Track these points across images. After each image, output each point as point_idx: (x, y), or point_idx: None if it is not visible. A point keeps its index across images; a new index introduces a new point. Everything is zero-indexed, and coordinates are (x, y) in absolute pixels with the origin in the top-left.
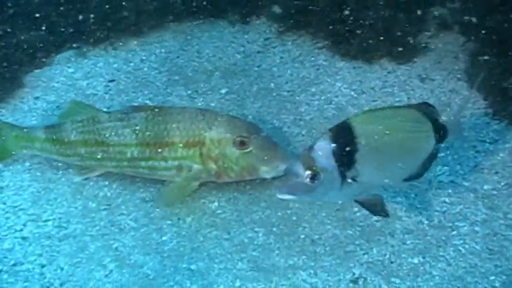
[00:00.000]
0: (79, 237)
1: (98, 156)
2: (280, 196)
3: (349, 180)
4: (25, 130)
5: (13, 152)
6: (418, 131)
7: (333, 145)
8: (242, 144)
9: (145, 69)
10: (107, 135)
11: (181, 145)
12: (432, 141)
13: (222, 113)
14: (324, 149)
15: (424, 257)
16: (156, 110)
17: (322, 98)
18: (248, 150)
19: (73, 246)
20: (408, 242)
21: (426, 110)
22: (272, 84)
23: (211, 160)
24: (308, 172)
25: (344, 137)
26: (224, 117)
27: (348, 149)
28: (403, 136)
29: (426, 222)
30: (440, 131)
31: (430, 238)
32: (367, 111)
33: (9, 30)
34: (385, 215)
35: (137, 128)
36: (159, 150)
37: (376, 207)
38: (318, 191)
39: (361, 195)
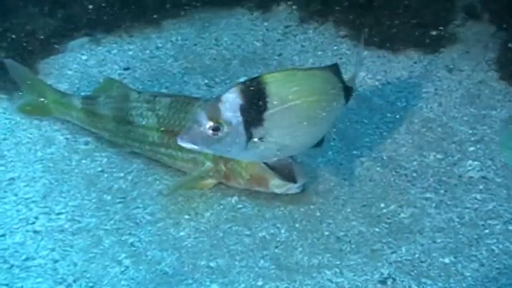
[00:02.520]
0: (93, 231)
1: (123, 135)
2: (181, 144)
3: (256, 139)
4: (65, 97)
5: (53, 114)
6: (331, 93)
7: (241, 99)
8: None
9: (162, 57)
10: (132, 115)
11: None
12: (342, 102)
13: None
14: (231, 102)
15: (455, 257)
16: (181, 98)
17: None
18: None
19: (87, 241)
20: (438, 241)
21: (337, 71)
22: None
23: (222, 160)
24: (210, 123)
25: (254, 93)
26: None
27: (257, 106)
28: (317, 98)
29: (457, 219)
30: (348, 94)
31: (461, 237)
32: (282, 70)
33: (22, 16)
34: (294, 181)
35: (160, 113)
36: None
37: (285, 173)
38: (220, 144)
39: (271, 157)
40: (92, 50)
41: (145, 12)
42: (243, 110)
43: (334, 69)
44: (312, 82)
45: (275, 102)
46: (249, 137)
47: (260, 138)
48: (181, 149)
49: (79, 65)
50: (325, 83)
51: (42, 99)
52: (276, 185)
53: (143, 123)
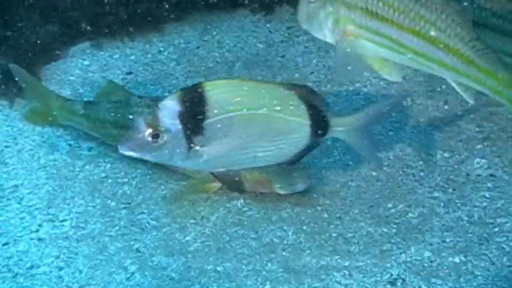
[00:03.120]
0: (98, 237)
1: None
2: (121, 151)
3: (197, 148)
4: (67, 102)
5: (57, 121)
6: (287, 112)
7: (180, 106)
8: None
9: (164, 60)
10: (133, 120)
11: None
12: (305, 131)
13: None
14: (169, 109)
15: (465, 256)
16: None
17: (351, 88)
18: None
19: (92, 248)
20: (448, 240)
21: (305, 94)
22: (297, 75)
23: None
24: (149, 130)
25: (194, 100)
26: None
27: (196, 114)
28: (265, 113)
29: (466, 218)
30: (320, 124)
31: (471, 235)
32: (226, 79)
33: (23, 22)
34: (240, 191)
35: None
36: None
37: (231, 183)
38: (161, 151)
39: (216, 168)
40: (94, 55)
41: (147, 16)
42: (182, 117)
43: (303, 90)
44: (261, 95)
45: (215, 111)
46: (190, 145)
47: (202, 147)
48: None
49: (81, 70)
50: (279, 99)
51: (46, 105)
52: (281, 187)
53: None
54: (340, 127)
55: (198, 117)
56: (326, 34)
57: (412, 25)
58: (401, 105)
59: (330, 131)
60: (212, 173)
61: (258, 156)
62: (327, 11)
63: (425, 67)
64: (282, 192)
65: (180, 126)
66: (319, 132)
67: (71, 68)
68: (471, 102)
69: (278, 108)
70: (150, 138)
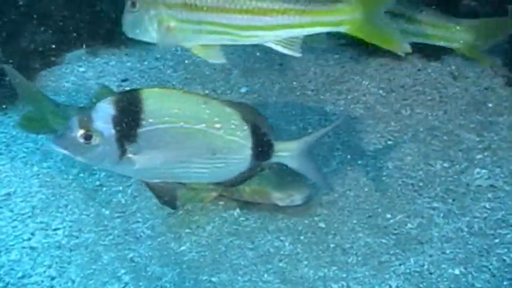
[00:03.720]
0: (91, 246)
1: None
2: (54, 147)
3: (130, 156)
4: (61, 108)
5: (52, 126)
6: (226, 133)
7: (115, 111)
8: None
9: (161, 67)
10: None
11: None
12: (246, 153)
13: None
14: (103, 112)
15: (465, 268)
16: None
17: (349, 97)
18: (261, 172)
19: (85, 257)
20: (448, 251)
21: (249, 115)
22: (295, 83)
23: None
24: (81, 131)
25: (130, 106)
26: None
27: (130, 120)
28: (203, 128)
29: (466, 229)
30: (263, 148)
31: (471, 247)
32: (168, 89)
33: (20, 28)
34: (172, 207)
35: None
36: None
37: (164, 196)
38: (93, 154)
39: (150, 178)
40: (90, 61)
41: None
42: (116, 122)
43: (244, 109)
44: (201, 111)
45: (150, 120)
46: (122, 151)
47: (135, 155)
48: None
49: (76, 77)
50: (220, 117)
51: (39, 109)
52: (279, 197)
53: None
54: (285, 152)
55: (132, 124)
56: (153, 36)
57: (234, 4)
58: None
59: (273, 156)
60: (146, 184)
61: (194, 172)
62: (150, 15)
63: (252, 39)
64: (281, 203)
65: (112, 131)
66: (262, 156)
67: (66, 74)
68: (298, 55)
69: (218, 126)
70: (82, 139)
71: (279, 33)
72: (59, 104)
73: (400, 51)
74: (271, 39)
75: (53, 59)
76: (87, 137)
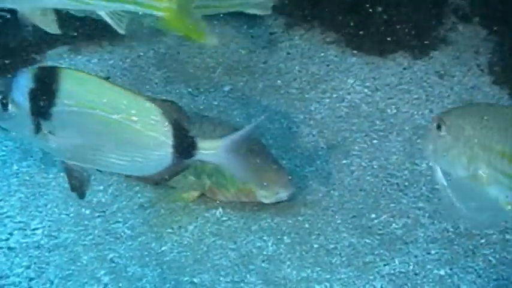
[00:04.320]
0: (71, 247)
1: None
2: None
3: (46, 132)
4: None
5: None
6: (144, 127)
7: (33, 84)
8: None
9: (143, 65)
10: None
11: None
12: (167, 150)
13: (224, 122)
14: (22, 83)
15: (451, 268)
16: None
17: (334, 95)
18: None
19: (64, 257)
20: (433, 252)
21: (171, 111)
22: (279, 81)
23: (205, 174)
24: None
25: (48, 83)
26: (224, 128)
27: (46, 97)
28: (118, 119)
29: (452, 229)
30: (186, 146)
31: (456, 247)
32: (90, 74)
33: None
34: (80, 195)
35: None
36: None
37: (76, 182)
38: (11, 123)
39: (66, 158)
40: (72, 59)
41: None
42: (32, 96)
43: (167, 106)
44: (119, 101)
45: (65, 101)
46: (38, 127)
47: (50, 133)
48: None
49: None
50: (138, 111)
51: None
52: (264, 195)
53: None
54: (209, 150)
55: (47, 101)
56: None
57: None
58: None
59: (197, 154)
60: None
61: (112, 162)
62: None
63: (83, 5)
64: (266, 201)
65: (28, 104)
66: (185, 153)
67: None
68: (121, 32)
69: (135, 119)
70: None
71: (110, 5)
72: None
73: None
74: (102, 9)
75: (33, 56)
76: (4, 105)
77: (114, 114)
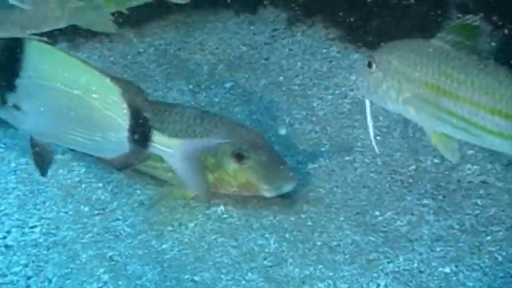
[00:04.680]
0: (69, 245)
1: None
2: None
3: (10, 105)
4: None
5: None
6: (103, 107)
7: None
8: (241, 158)
9: (144, 62)
10: None
11: None
12: (123, 133)
13: (225, 118)
14: None
15: (456, 266)
16: (156, 105)
17: (337, 92)
18: (247, 165)
19: (62, 255)
20: (438, 249)
21: (131, 94)
22: (281, 78)
23: (207, 170)
24: None
25: (13, 55)
26: (226, 124)
27: (10, 68)
28: (80, 97)
29: (457, 227)
30: (141, 134)
31: (462, 244)
32: (53, 47)
33: None
34: (42, 172)
35: None
36: None
37: (39, 158)
38: None
39: (32, 133)
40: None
41: (127, 16)
42: None
43: (130, 90)
44: (81, 77)
45: (30, 73)
46: (3, 99)
47: (15, 106)
48: (161, 160)
49: None
50: (99, 88)
51: None
52: (268, 189)
53: None
54: (164, 146)
55: (11, 73)
56: None
57: None
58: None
59: (151, 146)
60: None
61: (74, 138)
62: None
63: None
64: (268, 194)
65: None
66: (140, 141)
67: None
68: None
69: (95, 96)
70: None
71: None
72: None
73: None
74: None
75: None
76: None
77: (75, 89)
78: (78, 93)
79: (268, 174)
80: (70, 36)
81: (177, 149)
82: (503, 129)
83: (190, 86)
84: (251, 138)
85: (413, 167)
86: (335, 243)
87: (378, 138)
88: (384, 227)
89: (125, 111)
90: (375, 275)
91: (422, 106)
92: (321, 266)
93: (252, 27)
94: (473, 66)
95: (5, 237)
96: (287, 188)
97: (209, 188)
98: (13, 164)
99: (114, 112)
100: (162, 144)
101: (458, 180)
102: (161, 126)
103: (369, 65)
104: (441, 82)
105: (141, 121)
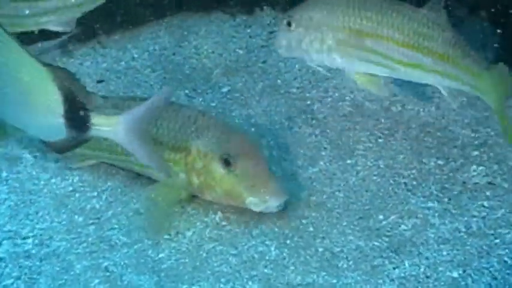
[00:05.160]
0: (63, 255)
1: (91, 145)
2: None
3: None
4: None
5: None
6: (35, 90)
7: None
8: (227, 163)
9: (138, 67)
10: None
11: (168, 147)
12: (58, 118)
13: (219, 121)
14: None
15: (464, 270)
16: None
17: (336, 94)
18: (233, 172)
19: (56, 267)
20: (445, 253)
21: (64, 80)
22: (279, 81)
23: (195, 172)
24: None
25: None
26: (219, 127)
27: None
28: (13, 77)
29: (464, 229)
30: (78, 119)
31: (469, 248)
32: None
33: None
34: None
35: None
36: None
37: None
38: None
39: None
40: (64, 62)
41: (120, 21)
42: None
43: (63, 75)
44: (13, 58)
45: None
46: None
47: None
48: None
49: None
50: (30, 72)
51: None
52: (253, 202)
53: None
54: (105, 126)
55: None
56: None
57: None
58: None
59: (92, 129)
60: None
61: (10, 115)
62: None
63: None
64: (254, 208)
65: None
66: (78, 126)
67: None
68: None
69: (26, 79)
70: None
71: None
72: None
73: None
74: None
75: None
76: None
77: (9, 71)
78: (11, 74)
79: (254, 186)
80: (61, 42)
81: (117, 125)
82: (413, 60)
83: (186, 91)
84: (244, 145)
85: (417, 169)
86: (338, 249)
87: (379, 140)
88: (388, 231)
89: (56, 96)
90: (380, 281)
91: (346, 50)
92: (324, 273)
93: (248, 30)
94: (387, 7)
95: None
96: (273, 203)
97: (194, 190)
98: (4, 174)
99: (46, 97)
100: (102, 124)
101: (464, 182)
102: (156, 124)
103: (289, 24)
104: (362, 26)
105: (76, 105)
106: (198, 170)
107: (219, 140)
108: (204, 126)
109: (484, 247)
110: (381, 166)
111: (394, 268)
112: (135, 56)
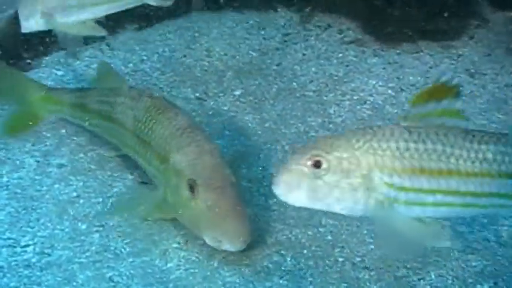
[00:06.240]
0: (65, 265)
1: (108, 132)
2: None
3: None
4: (54, 91)
5: (40, 118)
6: None
7: None
8: (191, 189)
9: (147, 70)
10: (115, 112)
11: (155, 153)
12: None
13: (207, 138)
14: None
15: (495, 282)
16: (158, 105)
17: (355, 97)
18: (195, 200)
19: (57, 277)
20: (474, 264)
21: None
22: (295, 84)
23: (169, 188)
24: None
25: None
26: (201, 146)
27: None
28: None
29: (493, 238)
30: None
31: (500, 258)
32: None
33: None
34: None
35: (137, 114)
36: (146, 149)
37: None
38: None
39: None
40: (69, 65)
41: (129, 22)
42: None
43: None
44: None
45: None
46: None
47: None
48: (149, 160)
49: (54, 81)
50: None
51: (26, 99)
52: (209, 238)
53: (123, 122)
54: None
55: None
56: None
57: None
58: None
59: None
60: None
61: None
62: None
63: None
64: (210, 244)
65: None
66: None
67: (43, 78)
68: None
69: None
70: None
71: None
72: (51, 87)
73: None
74: None
75: (29, 61)
76: None
77: None
78: None
79: (213, 221)
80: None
81: None
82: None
83: (197, 94)
84: (215, 175)
85: None
86: (358, 259)
87: None
88: None
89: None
90: None
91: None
92: (345, 285)
93: (262, 32)
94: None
95: None
96: (229, 246)
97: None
98: (5, 179)
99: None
100: None
101: None
102: (153, 127)
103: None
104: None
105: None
106: (172, 187)
107: (192, 161)
108: (186, 143)
109: None
110: None
111: (419, 279)
112: (144, 58)
